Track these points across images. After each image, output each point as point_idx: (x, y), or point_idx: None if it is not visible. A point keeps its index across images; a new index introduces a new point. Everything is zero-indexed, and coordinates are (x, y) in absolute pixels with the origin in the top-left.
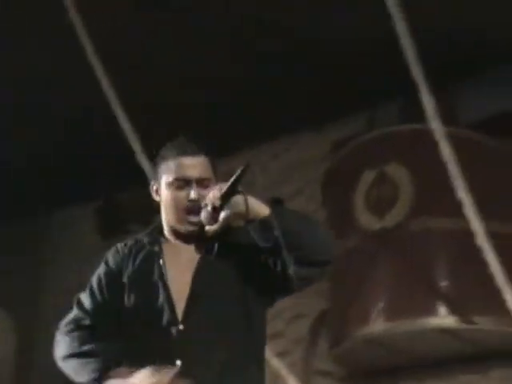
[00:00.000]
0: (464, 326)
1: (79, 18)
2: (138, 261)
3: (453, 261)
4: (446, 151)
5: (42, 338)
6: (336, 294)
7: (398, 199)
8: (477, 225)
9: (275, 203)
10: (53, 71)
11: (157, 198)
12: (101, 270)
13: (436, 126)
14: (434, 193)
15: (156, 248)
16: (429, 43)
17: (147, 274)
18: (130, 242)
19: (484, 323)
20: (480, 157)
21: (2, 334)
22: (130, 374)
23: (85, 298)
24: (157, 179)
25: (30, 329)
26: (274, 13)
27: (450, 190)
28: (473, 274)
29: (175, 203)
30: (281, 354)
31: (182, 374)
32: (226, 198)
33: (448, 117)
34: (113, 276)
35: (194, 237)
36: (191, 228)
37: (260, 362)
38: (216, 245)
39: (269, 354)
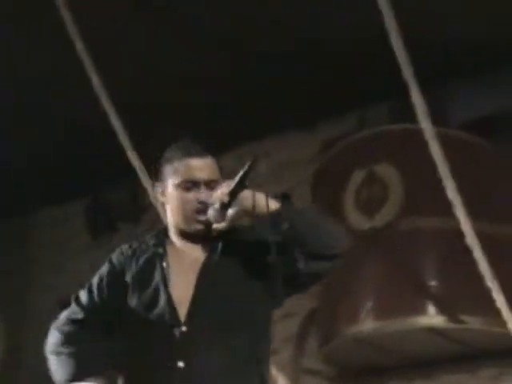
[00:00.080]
0: (453, 325)
1: (79, 17)
2: (141, 262)
3: (442, 260)
4: (436, 151)
5: (30, 337)
6: (325, 293)
7: (388, 199)
8: (466, 225)
9: (283, 198)
10: (53, 71)
11: (162, 200)
12: (104, 269)
13: (426, 126)
14: (424, 193)
15: (160, 250)
16: (420, 44)
17: (150, 275)
18: (134, 244)
19: (473, 323)
20: (470, 157)
21: None
22: None
23: (83, 295)
24: (162, 181)
25: (18, 328)
26: (273, 13)
27: (439, 190)
28: (462, 273)
29: (184, 205)
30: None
31: (185, 375)
32: (233, 194)
33: (438, 117)
34: (115, 276)
35: (201, 236)
36: (199, 227)
37: (264, 363)
38: (221, 244)
39: None
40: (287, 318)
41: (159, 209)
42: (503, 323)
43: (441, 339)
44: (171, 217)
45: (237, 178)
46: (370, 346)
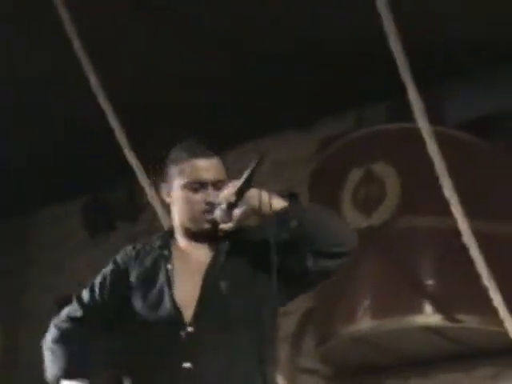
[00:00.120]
0: (450, 324)
1: (79, 17)
2: (146, 264)
3: (439, 259)
4: (433, 150)
5: (26, 337)
6: (322, 292)
7: (385, 198)
8: (463, 224)
9: (291, 197)
10: (52, 71)
11: (167, 200)
12: (107, 268)
13: (423, 125)
14: (421, 191)
15: (165, 251)
16: (419, 43)
17: (154, 277)
18: (139, 245)
19: (469, 322)
20: (467, 156)
21: None
22: None
23: (85, 293)
24: (167, 181)
25: (14, 328)
26: (273, 13)
27: (436, 189)
28: (459, 272)
29: (191, 206)
30: None
31: (192, 376)
32: (240, 194)
33: (435, 116)
34: (119, 275)
35: (208, 236)
36: (206, 226)
37: (268, 363)
38: (228, 245)
39: None
40: (284, 317)
41: (156, 208)
42: (500, 322)
43: (438, 338)
44: (178, 217)
45: (243, 178)
46: (366, 345)
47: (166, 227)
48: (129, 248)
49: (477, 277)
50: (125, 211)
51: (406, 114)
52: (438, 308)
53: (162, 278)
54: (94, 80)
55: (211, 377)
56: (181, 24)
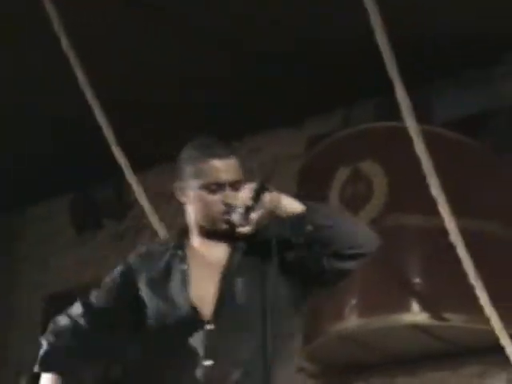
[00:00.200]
0: (437, 322)
1: (66, 13)
2: (159, 264)
3: (426, 258)
4: (421, 149)
5: (15, 335)
6: None
7: (372, 196)
8: (450, 222)
9: (305, 199)
10: (40, 69)
11: (182, 200)
12: (119, 269)
13: (410, 123)
14: (408, 190)
15: (180, 251)
16: (405, 41)
17: (169, 277)
18: (152, 246)
19: (456, 320)
20: (454, 155)
21: None
22: None
23: (93, 292)
24: (182, 180)
25: (3, 326)
26: (273, 13)
27: (424, 188)
28: (446, 271)
29: (209, 206)
30: None
31: (213, 372)
32: (256, 197)
33: (423, 115)
34: (130, 276)
35: (225, 235)
36: (224, 226)
37: (288, 359)
38: (244, 244)
39: None
40: None
41: (144, 205)
42: (486, 320)
43: (425, 336)
44: (194, 217)
45: (259, 181)
46: (354, 343)
47: (153, 224)
48: (142, 248)
49: (464, 275)
50: (113, 209)
51: (395, 111)
52: (425, 306)
53: (177, 277)
54: (81, 77)
55: (232, 374)
56: (181, 24)
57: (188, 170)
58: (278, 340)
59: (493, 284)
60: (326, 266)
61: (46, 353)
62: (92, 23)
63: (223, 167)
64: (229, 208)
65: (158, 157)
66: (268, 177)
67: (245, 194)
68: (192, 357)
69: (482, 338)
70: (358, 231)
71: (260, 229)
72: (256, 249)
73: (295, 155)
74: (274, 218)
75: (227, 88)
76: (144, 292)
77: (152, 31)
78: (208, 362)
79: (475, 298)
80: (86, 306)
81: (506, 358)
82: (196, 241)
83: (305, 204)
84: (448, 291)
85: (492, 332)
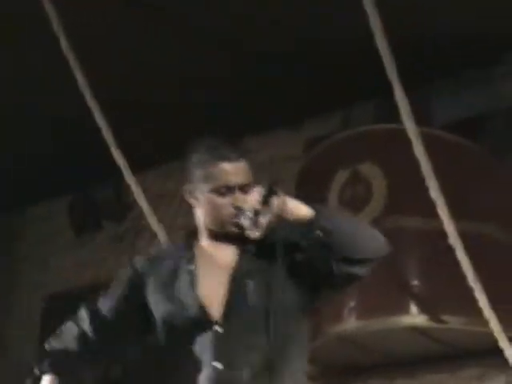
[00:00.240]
0: (435, 325)
1: (66, 13)
2: (167, 267)
3: (425, 260)
4: (420, 151)
5: (15, 335)
6: None
7: (372, 198)
8: (449, 225)
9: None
10: (40, 69)
11: (191, 202)
12: (126, 274)
13: (410, 126)
14: (407, 192)
15: (188, 253)
16: (405, 42)
17: (177, 279)
18: (160, 248)
19: (455, 322)
20: (453, 157)
21: None
22: None
23: (100, 299)
24: (192, 183)
25: (3, 326)
26: (273, 13)
27: (422, 190)
28: (445, 273)
29: (219, 209)
30: None
31: (222, 373)
32: (265, 201)
33: (422, 117)
34: (137, 282)
35: (234, 238)
36: (233, 229)
37: (300, 361)
38: (253, 246)
39: None
40: None
41: (143, 206)
42: (485, 323)
43: (423, 339)
44: (203, 220)
45: (268, 184)
46: (352, 345)
47: (152, 225)
48: (150, 251)
49: (462, 278)
50: (112, 210)
51: (394, 113)
52: (424, 308)
53: (184, 277)
54: (80, 78)
55: (241, 375)
56: (181, 24)
57: (198, 173)
58: (296, 342)
59: (492, 286)
60: (335, 269)
61: (49, 357)
62: (92, 23)
63: (233, 170)
64: (238, 211)
65: (158, 157)
66: (276, 180)
67: (254, 197)
68: (201, 358)
69: (480, 340)
70: (368, 237)
71: (272, 231)
72: (264, 251)
73: (293, 157)
74: (281, 221)
75: (227, 88)
76: (151, 299)
77: (152, 31)
78: (216, 363)
79: (474, 301)
80: (93, 313)
81: (505, 360)
82: (205, 242)
83: (314, 208)
84: (447, 293)
85: (491, 334)
